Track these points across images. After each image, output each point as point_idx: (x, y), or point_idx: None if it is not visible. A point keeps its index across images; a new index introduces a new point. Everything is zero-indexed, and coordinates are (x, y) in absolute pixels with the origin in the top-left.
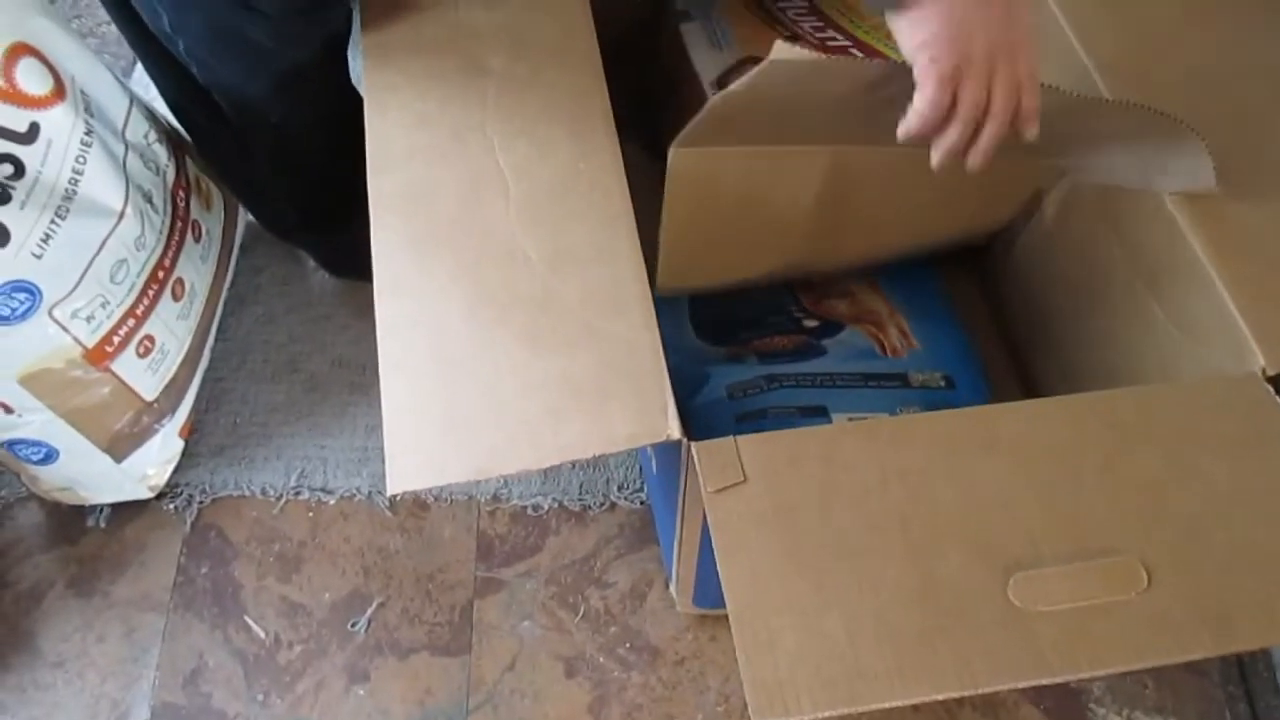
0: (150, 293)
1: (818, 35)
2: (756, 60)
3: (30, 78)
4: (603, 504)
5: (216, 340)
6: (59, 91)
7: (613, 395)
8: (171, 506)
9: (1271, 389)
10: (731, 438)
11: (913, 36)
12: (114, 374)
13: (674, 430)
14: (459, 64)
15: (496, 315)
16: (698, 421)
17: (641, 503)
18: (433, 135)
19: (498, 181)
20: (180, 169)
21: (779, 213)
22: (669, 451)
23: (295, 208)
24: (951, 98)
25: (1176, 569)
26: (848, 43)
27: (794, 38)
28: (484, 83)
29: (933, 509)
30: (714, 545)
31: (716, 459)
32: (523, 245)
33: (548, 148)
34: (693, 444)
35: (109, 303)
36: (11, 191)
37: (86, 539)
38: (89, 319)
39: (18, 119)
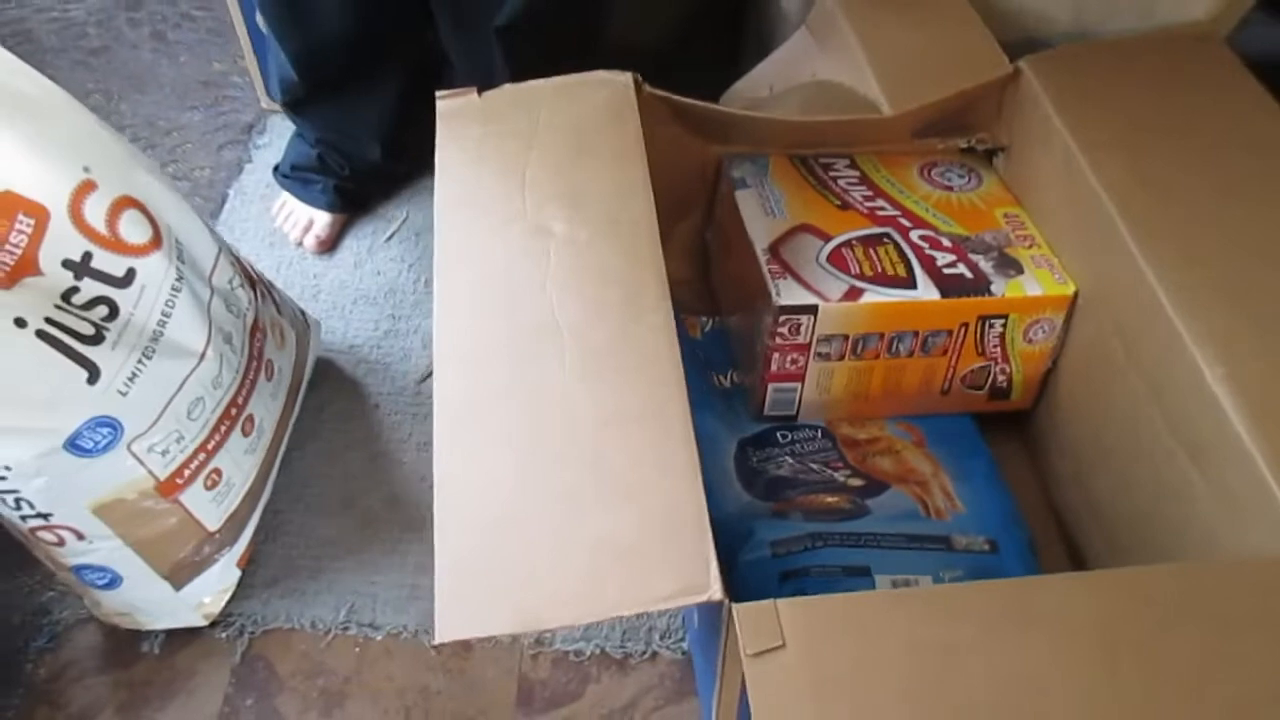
0: (222, 429)
1: (867, 204)
2: (808, 228)
3: (132, 228)
4: (644, 652)
5: (279, 473)
6: (156, 240)
7: (657, 554)
8: (223, 635)
9: None
10: (772, 601)
11: None
12: (182, 505)
13: (716, 592)
14: (524, 228)
15: (546, 473)
16: (742, 578)
17: (683, 652)
18: (495, 294)
19: (555, 340)
20: (259, 312)
21: None
22: (710, 609)
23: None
24: None
25: None
26: (896, 212)
27: (844, 206)
28: (546, 244)
29: (967, 687)
30: (751, 712)
31: (756, 622)
32: (575, 404)
33: (604, 310)
34: (733, 606)
35: (183, 438)
36: (105, 332)
37: (139, 664)
38: (164, 453)
39: (117, 265)
